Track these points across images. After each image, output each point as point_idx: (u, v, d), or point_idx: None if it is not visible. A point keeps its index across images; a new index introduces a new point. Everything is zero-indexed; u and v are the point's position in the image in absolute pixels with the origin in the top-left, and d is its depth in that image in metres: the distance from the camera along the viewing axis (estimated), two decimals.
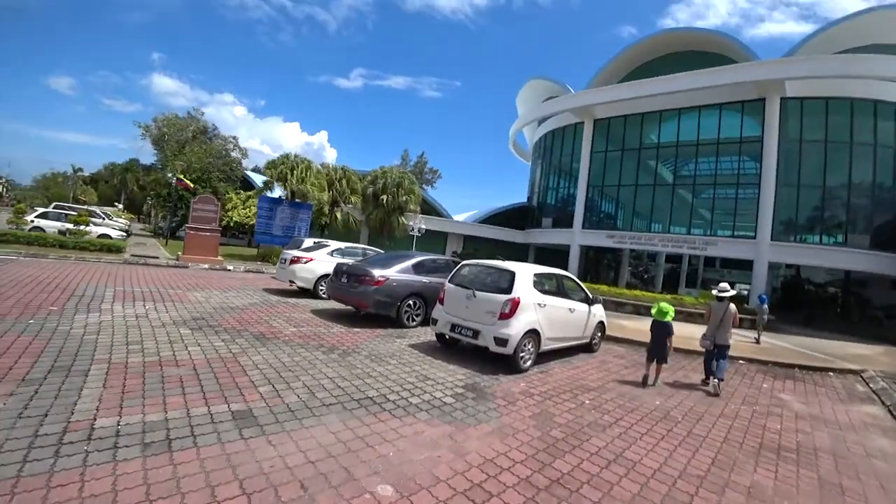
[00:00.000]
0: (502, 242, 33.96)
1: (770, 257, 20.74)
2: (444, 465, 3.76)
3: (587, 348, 9.16)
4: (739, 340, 12.67)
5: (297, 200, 23.46)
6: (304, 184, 23.78)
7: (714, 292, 7.83)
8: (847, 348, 14.35)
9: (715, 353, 7.49)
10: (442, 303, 7.90)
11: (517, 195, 37.69)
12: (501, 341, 6.74)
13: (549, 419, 5.16)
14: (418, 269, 10.11)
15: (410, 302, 9.77)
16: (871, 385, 9.29)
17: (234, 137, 43.91)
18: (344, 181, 26.22)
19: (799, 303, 25.54)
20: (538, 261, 36.20)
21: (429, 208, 34.59)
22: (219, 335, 7.27)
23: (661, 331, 7.19)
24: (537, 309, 7.23)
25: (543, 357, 7.87)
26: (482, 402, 5.46)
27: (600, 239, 26.92)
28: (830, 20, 22.14)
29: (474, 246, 33.77)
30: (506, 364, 7.02)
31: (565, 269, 27.43)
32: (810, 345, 14.12)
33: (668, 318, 7.19)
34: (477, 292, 7.29)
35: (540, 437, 4.59)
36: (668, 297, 18.69)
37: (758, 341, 13.64)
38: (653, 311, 7.38)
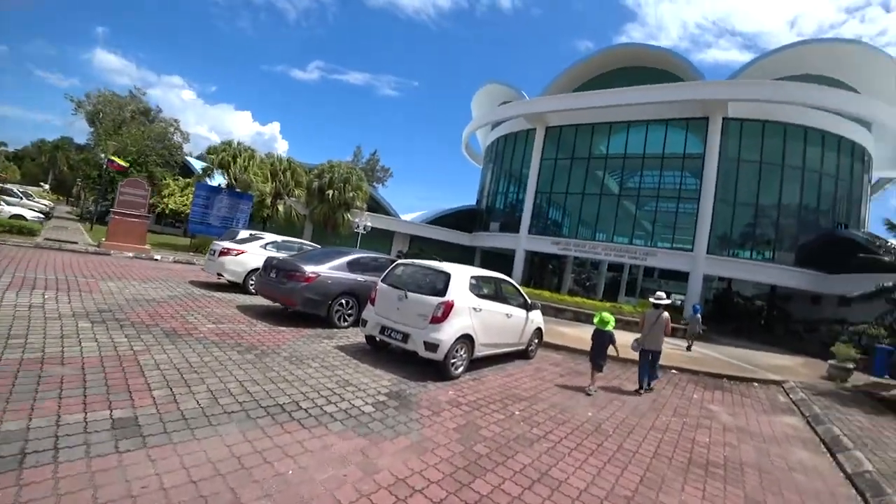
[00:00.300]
0: (449, 244, 33.74)
1: (705, 270, 21.58)
2: (349, 485, 3.33)
3: (523, 355, 8.96)
4: (672, 349, 12.95)
5: (237, 190, 22.23)
6: (247, 173, 22.60)
7: (651, 300, 8.15)
8: (770, 359, 14.99)
9: (646, 358, 7.94)
10: (373, 303, 7.43)
11: (468, 198, 37.63)
12: (432, 346, 6.36)
13: (475, 432, 4.82)
14: (354, 266, 9.59)
15: (343, 301, 9.23)
16: (791, 396, 9.61)
17: (176, 120, 41.34)
18: (288, 173, 25.12)
19: (728, 315, 26.74)
20: (484, 264, 36.22)
21: (376, 206, 33.92)
22: (123, 330, 6.52)
23: (602, 339, 7.45)
24: (472, 313, 6.90)
25: (477, 363, 7.57)
26: (404, 412, 5.05)
27: (546, 245, 27.19)
28: (768, 50, 23.42)
29: (420, 246, 33.39)
30: (437, 370, 6.64)
31: (510, 273, 27.75)
32: (738, 355, 14.65)
33: (610, 328, 7.47)
34: (409, 293, 6.88)
35: (462, 453, 4.23)
36: (608, 304, 19.03)
37: (689, 349, 14.08)
38: (595, 321, 7.64)
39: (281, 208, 24.59)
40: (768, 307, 26.06)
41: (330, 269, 9.20)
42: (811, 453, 6.09)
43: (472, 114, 36.78)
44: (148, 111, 41.89)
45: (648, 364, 7.93)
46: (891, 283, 13.20)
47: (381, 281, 7.59)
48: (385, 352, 7.65)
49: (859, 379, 12.78)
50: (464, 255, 35.53)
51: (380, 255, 10.57)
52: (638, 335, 8.15)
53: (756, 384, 10.29)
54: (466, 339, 6.79)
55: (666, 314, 7.90)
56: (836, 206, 23.11)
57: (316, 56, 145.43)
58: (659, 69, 25.75)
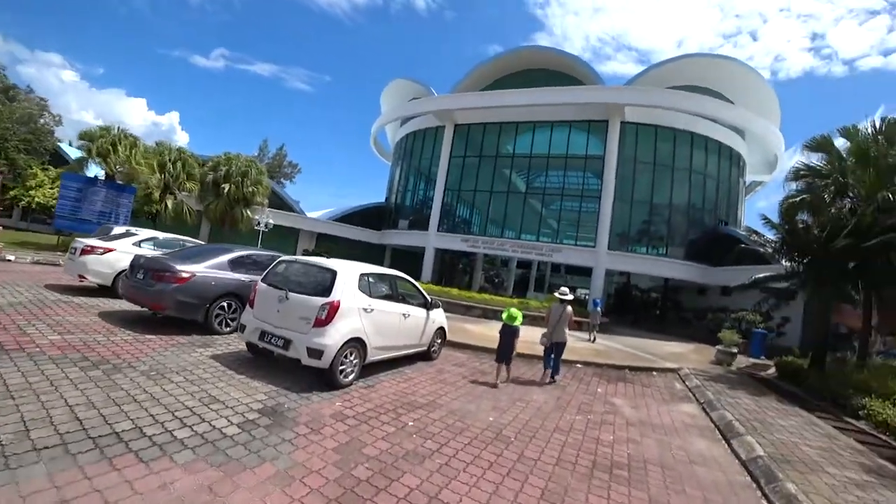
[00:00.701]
0: (358, 243, 32.54)
1: (607, 265, 22.57)
2: None
3: (425, 356, 8.35)
4: (576, 342, 13.12)
5: (119, 182, 19.60)
6: (129, 163, 19.95)
7: (556, 295, 8.58)
8: (665, 347, 15.81)
9: (553, 350, 8.31)
10: (252, 305, 6.43)
11: (380, 196, 36.56)
12: (315, 353, 5.53)
13: (358, 451, 4.09)
14: (237, 265, 8.45)
15: (224, 304, 8.06)
16: (686, 383, 9.96)
17: (44, 100, 35.97)
18: (179, 164, 22.57)
19: (627, 307, 28.40)
20: (394, 263, 35.38)
21: (280, 203, 31.89)
22: None
23: (510, 334, 7.60)
24: (363, 314, 6.16)
25: (372, 368, 6.83)
26: (277, 432, 4.20)
27: (455, 243, 27.04)
28: (658, 61, 25.12)
29: (327, 245, 31.87)
30: (324, 379, 5.84)
31: (419, 272, 27.36)
32: (637, 344, 15.26)
33: (517, 323, 7.67)
34: (291, 294, 6.00)
35: (338, 480, 3.50)
36: (516, 300, 19.17)
37: (593, 341, 14.46)
38: (503, 317, 7.78)
39: (170, 203, 21.92)
40: (662, 299, 27.96)
41: (208, 268, 8.00)
42: (709, 441, 6.10)
43: (382, 109, 35.85)
44: (8, 89, 36.09)
45: (554, 353, 8.31)
46: (762, 276, 14.45)
47: (261, 280, 6.62)
48: (268, 360, 6.64)
49: (741, 361, 13.78)
50: (373, 254, 34.47)
51: (265, 252, 9.45)
52: (545, 329, 8.44)
53: (655, 373, 10.57)
54: (357, 343, 6.03)
55: (570, 308, 8.34)
56: (718, 206, 25.27)
57: (220, 43, 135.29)
58: (562, 73, 26.60)
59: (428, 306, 8.03)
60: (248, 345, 6.71)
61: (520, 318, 7.69)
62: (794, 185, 12.42)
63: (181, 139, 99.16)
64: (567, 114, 24.80)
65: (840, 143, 11.83)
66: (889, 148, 10.61)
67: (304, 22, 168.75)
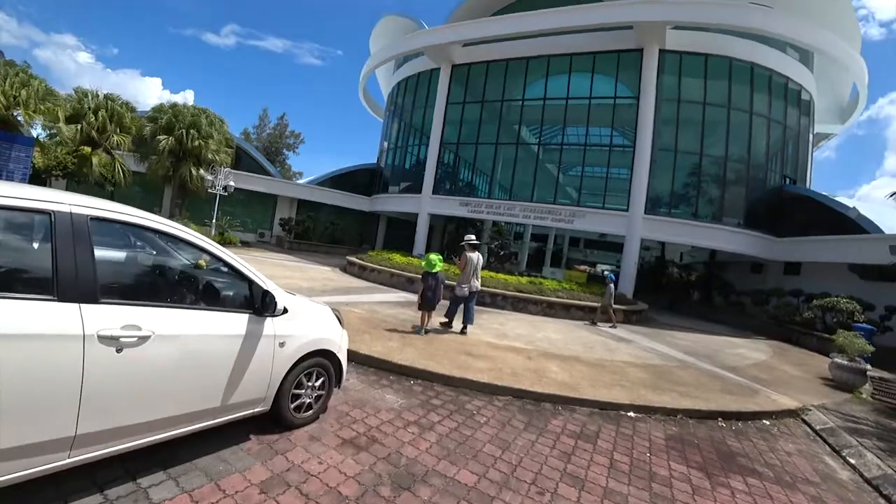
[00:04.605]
0: (346, 210, 27.96)
1: (644, 233, 17.56)
2: None
3: (278, 420, 3.52)
4: (601, 341, 8.46)
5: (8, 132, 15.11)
6: (24, 106, 15.37)
7: (465, 243, 8.38)
8: (734, 349, 11.10)
9: (468, 298, 7.91)
10: None
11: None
12: None
13: None
14: None
15: None
16: (829, 441, 5.29)
17: None
18: (102, 113, 18.00)
19: (661, 286, 23.50)
20: (389, 234, 30.97)
21: (254, 165, 27.42)
22: None
23: (432, 280, 7.44)
24: None
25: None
26: None
27: (453, 207, 22.10)
28: None
29: (308, 213, 27.38)
30: None
31: (411, 244, 22.79)
32: (695, 347, 10.53)
33: (437, 269, 7.52)
34: None
35: None
36: (526, 279, 14.39)
37: (614, 326, 11.88)
38: (423, 263, 7.75)
39: (95, 160, 17.38)
40: (706, 277, 22.91)
41: None
42: None
43: (371, 53, 30.67)
44: None
45: (469, 301, 7.98)
46: None
47: None
48: None
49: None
50: (364, 223, 30.01)
51: None
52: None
53: (767, 422, 5.76)
54: None
55: (480, 255, 8.34)
56: (784, 161, 19.94)
57: (230, 19, 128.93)
58: None
59: (263, 308, 3.12)
60: None
61: (439, 264, 7.61)
62: None
63: None
64: (590, 43, 19.55)
65: None
66: None
67: None
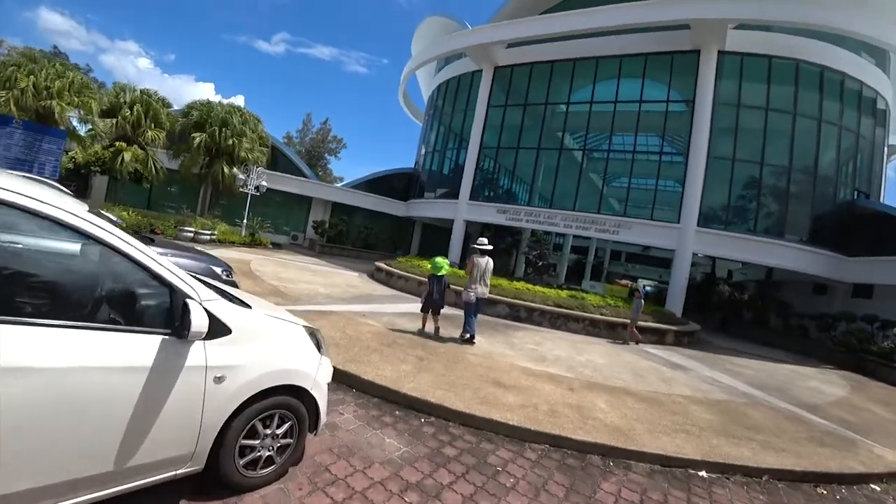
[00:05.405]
0: (381, 215, 27.44)
1: (696, 247, 16.20)
2: None
3: (221, 480, 2.59)
4: (643, 366, 7.39)
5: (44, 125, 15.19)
6: (50, 97, 15.13)
7: (476, 246, 8.17)
8: (804, 381, 9.77)
9: (474, 306, 7.69)
10: None
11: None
12: None
13: None
14: None
15: None
16: None
17: None
18: (138, 108, 17.98)
19: (711, 305, 21.84)
20: (424, 241, 30.39)
21: (290, 166, 27.30)
22: None
23: (438, 285, 7.63)
24: None
25: None
26: None
27: (490, 214, 21.14)
28: None
29: (342, 216, 26.97)
30: None
31: (445, 251, 21.69)
32: (760, 378, 9.27)
33: (443, 273, 7.68)
34: None
35: None
36: (566, 293, 13.32)
37: (637, 342, 10.95)
38: (429, 267, 7.98)
39: (128, 156, 17.28)
40: (761, 297, 21.14)
41: None
42: None
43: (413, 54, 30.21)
44: None
45: (475, 310, 7.77)
46: None
47: None
48: None
49: None
50: (399, 228, 29.44)
51: None
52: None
53: (876, 485, 4.65)
54: None
55: (490, 260, 8.06)
56: (855, 172, 18.16)
57: (281, 27, 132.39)
58: None
59: (183, 327, 2.19)
60: None
61: (446, 268, 7.75)
62: None
63: None
64: (641, 45, 18.40)
65: None
66: None
67: (361, 3, 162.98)
